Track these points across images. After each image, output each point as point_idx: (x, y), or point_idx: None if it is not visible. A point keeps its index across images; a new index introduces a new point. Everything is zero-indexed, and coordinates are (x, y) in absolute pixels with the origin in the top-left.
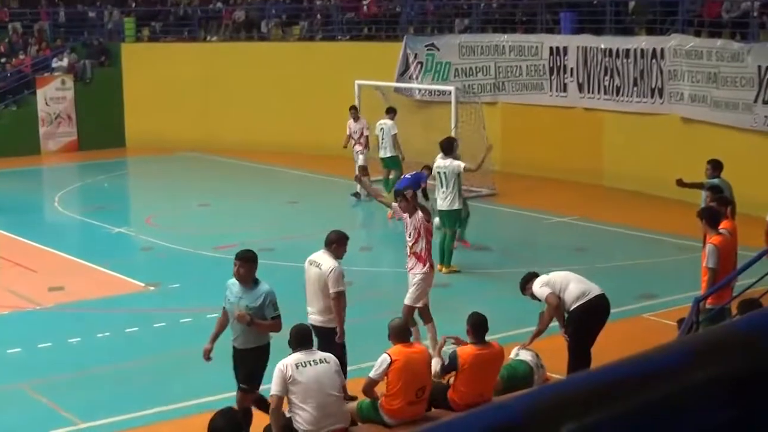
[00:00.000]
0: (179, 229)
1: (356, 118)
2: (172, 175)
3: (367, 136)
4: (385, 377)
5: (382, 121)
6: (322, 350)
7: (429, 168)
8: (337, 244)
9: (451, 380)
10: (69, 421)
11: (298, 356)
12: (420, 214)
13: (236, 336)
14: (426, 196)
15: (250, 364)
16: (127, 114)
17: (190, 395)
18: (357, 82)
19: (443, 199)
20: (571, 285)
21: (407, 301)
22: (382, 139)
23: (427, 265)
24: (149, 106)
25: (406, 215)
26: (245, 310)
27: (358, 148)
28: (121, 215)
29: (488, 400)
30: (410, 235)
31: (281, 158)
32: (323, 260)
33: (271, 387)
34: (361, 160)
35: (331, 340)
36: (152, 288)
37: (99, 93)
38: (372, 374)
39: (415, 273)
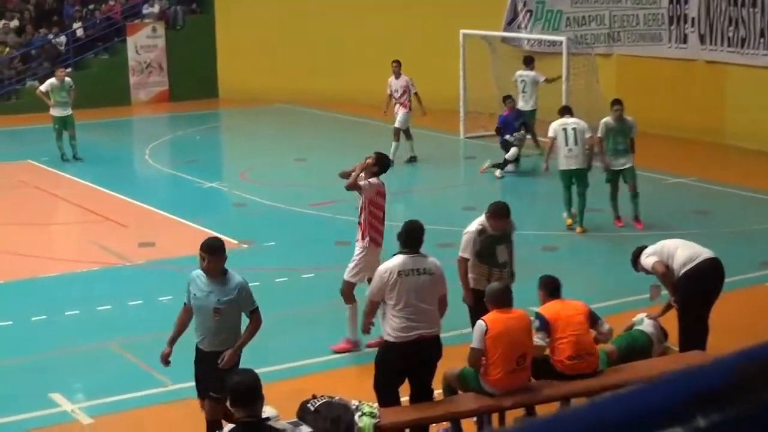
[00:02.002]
0: (274, 184)
1: (398, 75)
2: (268, 128)
3: (408, 95)
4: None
5: (521, 72)
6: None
7: (510, 98)
8: (490, 214)
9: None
10: (160, 381)
11: (404, 261)
12: (375, 181)
13: (203, 337)
14: (536, 138)
15: (221, 370)
16: (220, 63)
17: (283, 358)
18: (462, 31)
19: (571, 158)
20: (679, 251)
21: (345, 275)
22: (524, 91)
23: (367, 239)
24: (243, 55)
25: (365, 182)
26: (216, 305)
27: (401, 110)
28: (213, 169)
29: (595, 353)
30: (360, 203)
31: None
32: (471, 223)
33: (369, 290)
34: (403, 122)
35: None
36: (246, 246)
37: (191, 41)
38: (473, 344)
39: (357, 245)
